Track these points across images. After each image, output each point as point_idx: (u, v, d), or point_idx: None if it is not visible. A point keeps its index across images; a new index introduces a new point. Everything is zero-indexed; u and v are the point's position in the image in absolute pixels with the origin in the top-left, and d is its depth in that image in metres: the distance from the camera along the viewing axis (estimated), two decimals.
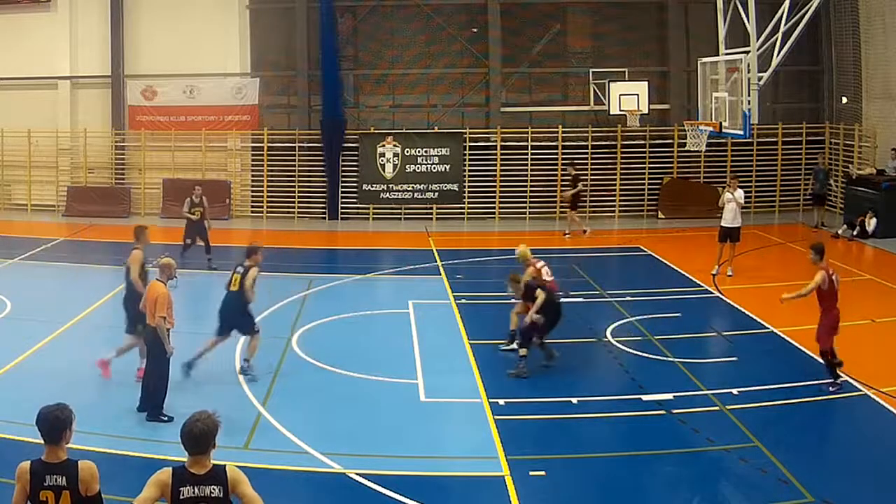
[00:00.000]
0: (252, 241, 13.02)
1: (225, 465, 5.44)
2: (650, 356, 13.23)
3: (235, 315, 12.44)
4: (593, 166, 26.70)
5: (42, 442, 5.50)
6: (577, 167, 24.72)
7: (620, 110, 25.04)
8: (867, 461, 9.58)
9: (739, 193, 18.61)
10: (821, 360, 11.93)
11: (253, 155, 27.65)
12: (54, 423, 5.41)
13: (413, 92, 28.48)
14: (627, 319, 15.22)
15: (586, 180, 25.22)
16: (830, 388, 11.69)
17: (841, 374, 11.82)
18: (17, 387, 11.61)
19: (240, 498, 5.37)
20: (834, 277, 11.87)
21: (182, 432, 5.39)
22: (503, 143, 26.91)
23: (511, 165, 26.81)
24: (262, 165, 27.33)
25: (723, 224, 18.52)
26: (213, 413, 5.49)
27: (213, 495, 5.32)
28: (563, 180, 25.45)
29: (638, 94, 24.95)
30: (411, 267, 19.93)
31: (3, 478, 7.01)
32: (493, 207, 26.89)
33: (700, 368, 12.75)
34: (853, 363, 12.53)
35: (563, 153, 26.57)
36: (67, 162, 27.92)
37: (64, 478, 5.38)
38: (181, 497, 5.30)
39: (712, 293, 17.20)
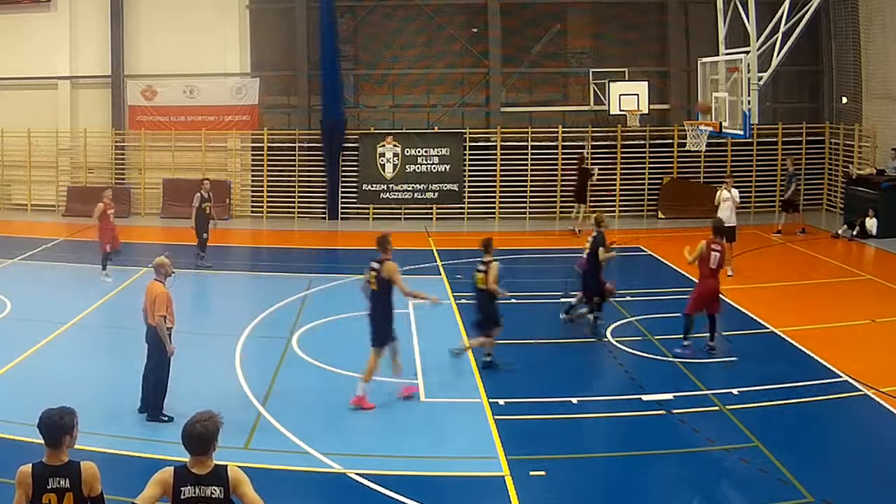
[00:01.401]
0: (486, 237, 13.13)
1: (226, 466, 5.43)
2: (650, 356, 13.23)
3: (484, 311, 12.70)
4: (593, 166, 26.68)
5: (42, 443, 5.50)
6: (587, 163, 24.70)
7: (620, 110, 25.04)
8: (867, 461, 9.59)
9: (735, 193, 18.60)
10: (823, 361, 11.98)
11: (253, 155, 27.65)
12: (54, 427, 5.40)
13: (413, 92, 28.50)
14: (627, 319, 15.22)
15: (593, 174, 24.88)
16: (677, 350, 13.05)
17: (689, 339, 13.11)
18: (17, 387, 11.61)
19: (240, 499, 5.37)
20: (715, 251, 13.30)
21: (183, 433, 5.38)
22: (503, 143, 26.91)
23: (511, 165, 26.81)
24: (262, 165, 27.33)
25: None
26: (215, 414, 5.48)
27: (213, 496, 5.31)
28: (569, 172, 25.55)
29: (638, 94, 24.94)
30: (411, 267, 19.90)
31: (3, 478, 7.01)
32: (493, 207, 26.90)
33: (700, 368, 12.74)
34: (853, 363, 12.56)
35: (563, 153, 26.61)
36: (67, 162, 27.92)
37: (67, 479, 5.37)
38: (182, 497, 5.29)
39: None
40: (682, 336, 13.24)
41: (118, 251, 18.48)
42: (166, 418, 10.46)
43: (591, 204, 26.55)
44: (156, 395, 10.66)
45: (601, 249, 14.30)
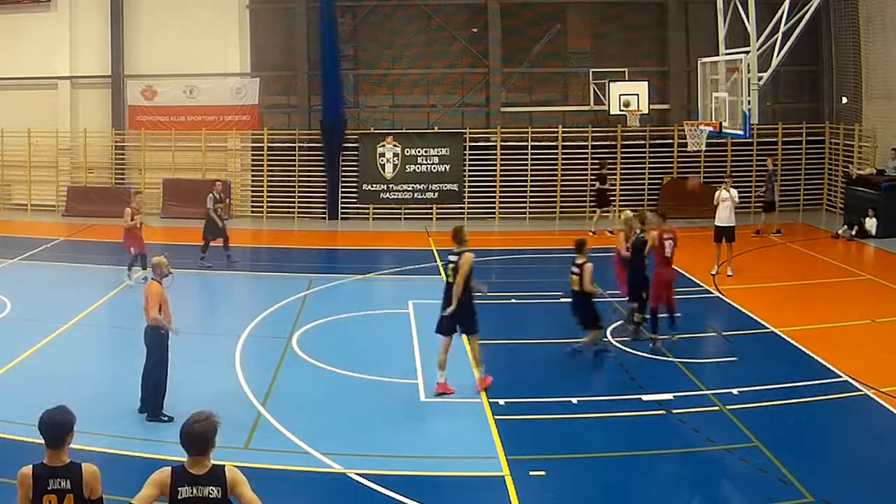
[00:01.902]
0: (579, 237, 13.43)
1: (224, 466, 5.42)
2: (650, 356, 13.22)
3: (581, 310, 12.92)
4: (593, 166, 26.69)
5: (42, 443, 5.49)
6: (609, 166, 24.81)
7: (620, 110, 25.04)
8: (867, 461, 9.58)
9: (734, 193, 18.62)
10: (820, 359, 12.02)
11: (253, 155, 27.66)
12: (57, 427, 5.40)
13: (413, 92, 28.52)
14: None
15: (614, 180, 25.12)
16: (651, 346, 13.28)
17: (655, 336, 13.38)
18: (17, 387, 11.61)
19: (238, 499, 5.36)
20: (668, 240, 13.64)
21: (181, 433, 5.37)
22: (503, 143, 26.92)
23: (511, 165, 26.82)
24: (262, 165, 27.34)
25: (717, 224, 18.50)
26: (212, 413, 5.47)
27: (211, 496, 5.30)
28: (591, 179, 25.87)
29: (638, 94, 24.95)
30: (411, 267, 19.93)
31: (3, 478, 7.01)
32: (493, 207, 26.90)
33: (700, 368, 12.75)
34: (853, 363, 12.56)
35: (563, 153, 26.62)
36: (67, 162, 27.94)
37: (68, 481, 5.37)
38: (179, 497, 5.28)
39: (712, 293, 17.20)
40: (656, 335, 13.47)
41: (144, 256, 17.87)
42: (166, 418, 10.46)
43: (592, 204, 26.66)
44: (155, 396, 10.66)
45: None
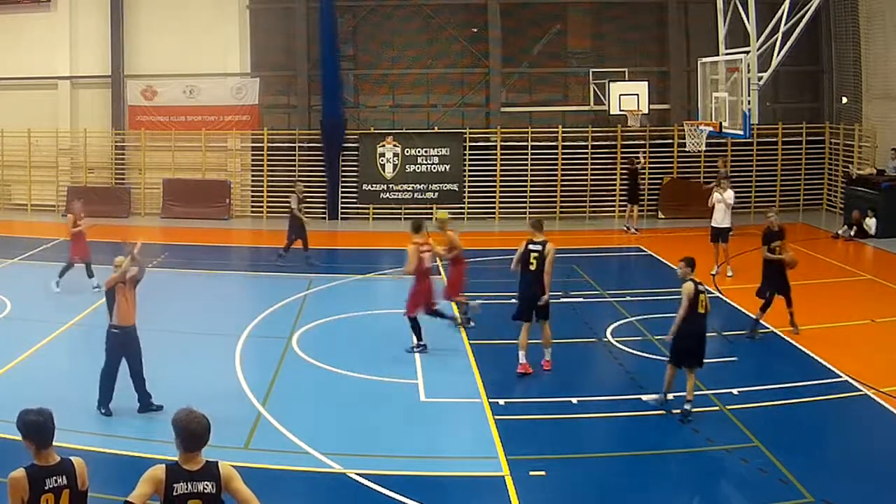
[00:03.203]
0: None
1: (217, 462, 5.45)
2: (650, 356, 13.21)
3: (702, 340, 10.98)
4: (593, 166, 26.72)
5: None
6: (636, 162, 24.88)
7: (620, 110, 25.04)
8: (867, 461, 9.59)
9: (729, 194, 18.63)
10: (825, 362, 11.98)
11: (253, 155, 27.65)
12: (47, 428, 5.48)
13: (413, 92, 28.51)
14: (627, 319, 15.22)
15: (643, 175, 25.25)
16: (414, 349, 13.32)
17: (423, 342, 13.39)
18: (17, 387, 11.58)
19: (233, 494, 5.38)
20: (425, 252, 14.07)
21: (183, 431, 5.37)
22: (503, 143, 26.91)
23: (511, 165, 26.81)
24: (262, 165, 27.33)
25: (713, 224, 18.64)
26: (193, 409, 5.50)
27: (206, 491, 5.33)
28: (622, 174, 26.02)
29: (638, 94, 24.95)
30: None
31: (3, 478, 7.00)
32: (493, 207, 26.90)
33: (700, 368, 12.72)
34: (853, 363, 12.56)
35: (563, 153, 26.63)
36: (67, 162, 27.92)
37: (64, 477, 5.42)
38: (175, 493, 5.30)
39: (712, 293, 17.18)
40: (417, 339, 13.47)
41: (90, 263, 17.58)
42: (104, 411, 10.40)
43: (592, 204, 26.73)
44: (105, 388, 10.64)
45: (764, 248, 14.27)
